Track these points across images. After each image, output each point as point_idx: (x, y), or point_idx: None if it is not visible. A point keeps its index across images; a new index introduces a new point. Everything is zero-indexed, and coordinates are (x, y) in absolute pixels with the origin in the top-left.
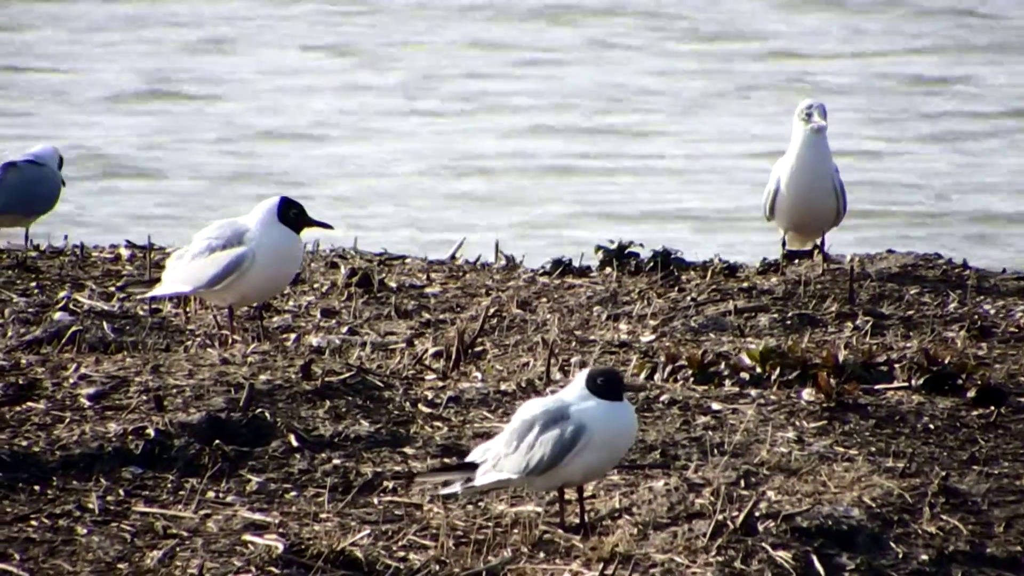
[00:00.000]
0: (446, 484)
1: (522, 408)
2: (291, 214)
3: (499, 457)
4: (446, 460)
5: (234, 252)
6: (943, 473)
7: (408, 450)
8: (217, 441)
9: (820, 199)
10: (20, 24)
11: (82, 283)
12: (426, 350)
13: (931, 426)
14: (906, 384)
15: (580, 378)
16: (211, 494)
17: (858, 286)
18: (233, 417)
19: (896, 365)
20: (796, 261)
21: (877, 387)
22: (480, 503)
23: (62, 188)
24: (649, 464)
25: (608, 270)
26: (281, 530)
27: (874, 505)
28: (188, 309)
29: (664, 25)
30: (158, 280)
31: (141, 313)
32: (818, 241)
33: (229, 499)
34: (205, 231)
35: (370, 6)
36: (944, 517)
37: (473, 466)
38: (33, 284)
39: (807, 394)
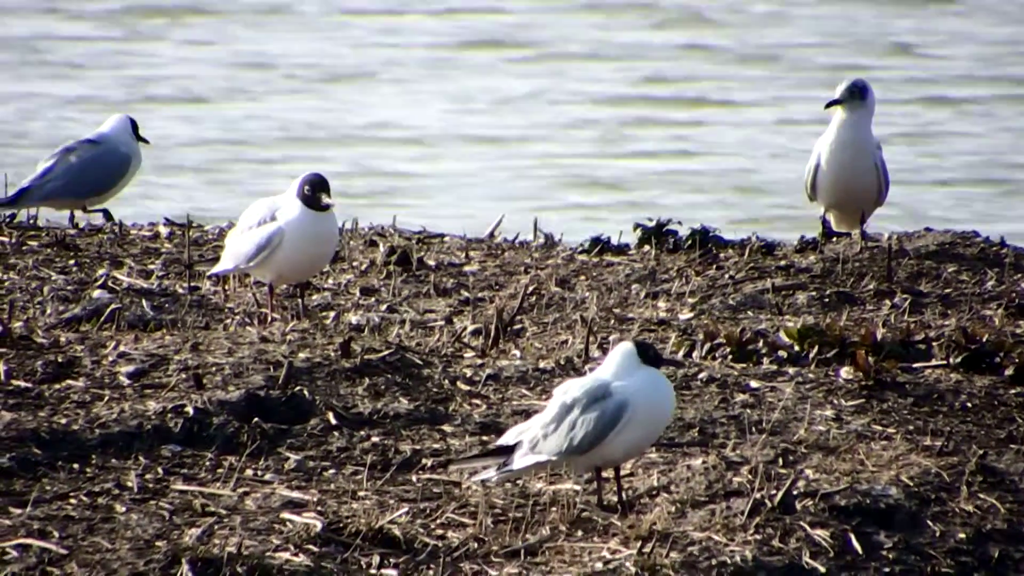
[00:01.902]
0: (477, 472)
1: (559, 389)
2: (304, 191)
3: (537, 439)
4: (481, 447)
5: (267, 229)
6: (981, 451)
7: (447, 428)
8: (256, 419)
9: (860, 176)
10: None
11: (121, 261)
12: (465, 328)
13: (969, 404)
14: (944, 362)
15: (616, 354)
16: (249, 472)
17: (896, 264)
18: (272, 395)
19: (934, 343)
20: (834, 239)
21: (915, 365)
22: (518, 482)
23: (132, 160)
24: (687, 442)
25: (646, 248)
26: (319, 508)
27: (912, 484)
28: (227, 287)
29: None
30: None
31: (180, 291)
32: (865, 223)
33: (267, 477)
34: (249, 209)
35: None
36: (981, 496)
37: (507, 450)
38: (72, 262)
39: (845, 372)
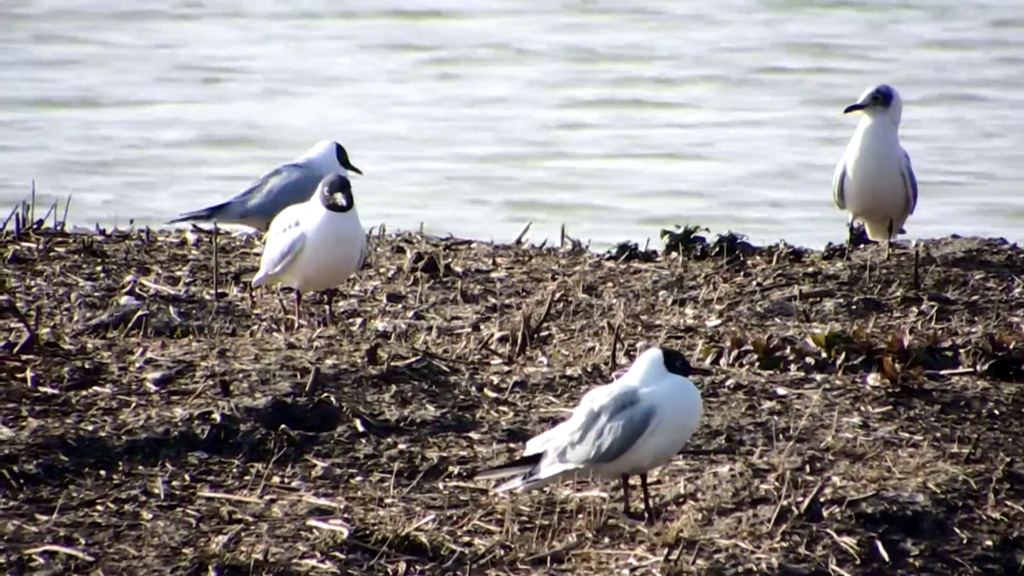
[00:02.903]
0: (502, 482)
1: (587, 397)
2: (324, 193)
3: (564, 447)
4: (508, 454)
5: (291, 235)
6: (1008, 459)
7: (474, 435)
8: (283, 426)
9: (885, 183)
10: None
11: (148, 267)
12: (492, 335)
13: (996, 411)
14: (971, 369)
15: (643, 361)
16: (276, 479)
17: (923, 271)
18: (299, 402)
19: (961, 350)
20: (861, 246)
21: (942, 372)
22: (545, 489)
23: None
24: (714, 449)
25: (674, 255)
26: (346, 515)
27: (939, 491)
28: (254, 293)
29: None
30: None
31: (207, 297)
32: (899, 229)
33: (294, 484)
34: (278, 217)
35: None
36: (1008, 503)
37: (533, 459)
38: (99, 268)
39: (872, 379)
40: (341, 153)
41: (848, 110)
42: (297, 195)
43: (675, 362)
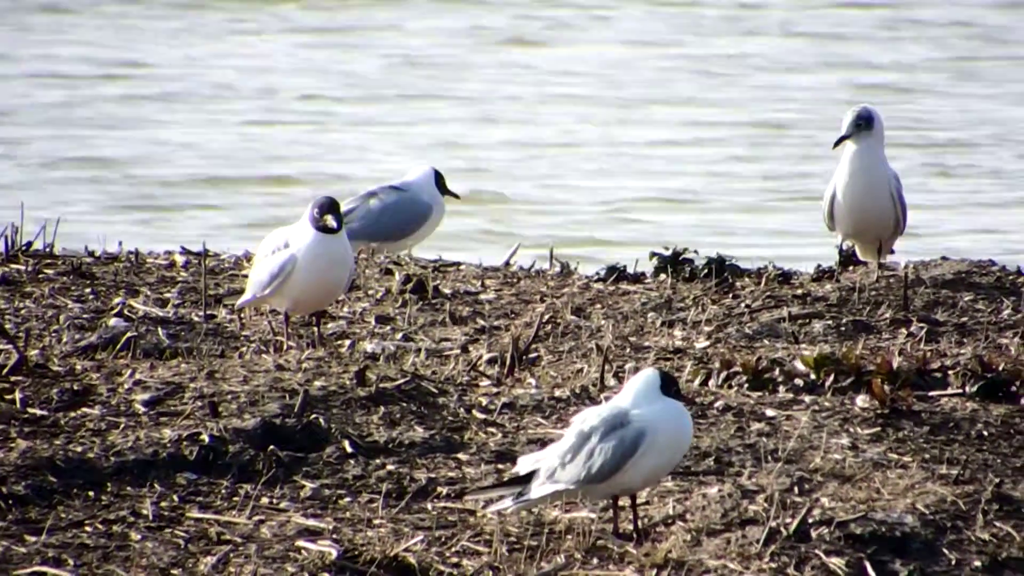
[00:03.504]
0: (492, 502)
1: (577, 417)
2: (314, 214)
3: (554, 468)
4: (496, 475)
5: (280, 257)
6: (997, 480)
7: (462, 456)
8: (271, 447)
9: (875, 206)
10: None
11: (137, 289)
12: (480, 356)
13: (985, 433)
14: (960, 391)
15: (637, 381)
16: (265, 500)
17: (912, 293)
18: (288, 423)
19: (950, 372)
20: (851, 268)
21: (931, 394)
22: (534, 509)
23: (432, 210)
24: (703, 470)
25: (662, 276)
26: (335, 536)
27: (928, 512)
28: (243, 315)
29: None
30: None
31: (196, 319)
32: (889, 250)
33: (283, 505)
34: (266, 239)
35: None
36: (998, 524)
37: (522, 480)
38: (88, 290)
39: (861, 401)
40: (439, 178)
41: (837, 144)
42: (396, 216)
43: (671, 386)
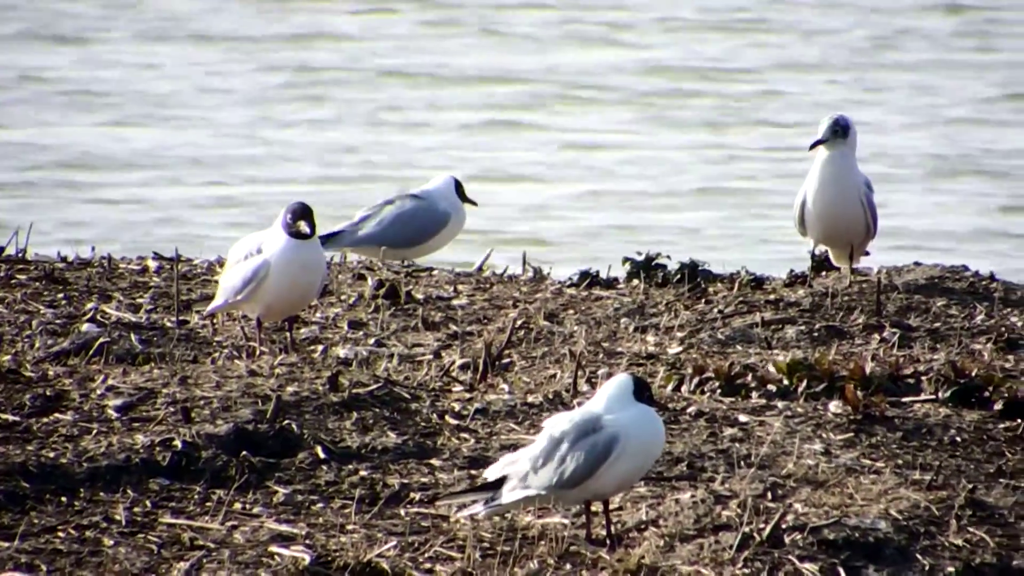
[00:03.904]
0: (464, 507)
1: (549, 422)
2: (287, 220)
3: (526, 473)
4: (469, 480)
5: (253, 263)
6: (970, 486)
7: (435, 462)
8: (244, 453)
9: (845, 213)
10: None
11: (110, 295)
12: (453, 362)
13: (958, 439)
14: (933, 397)
15: (611, 387)
16: (238, 505)
17: (885, 298)
18: (260, 429)
19: (923, 377)
20: (823, 273)
21: (904, 399)
22: (507, 515)
23: (451, 218)
24: (676, 476)
25: (635, 282)
26: (308, 542)
27: (901, 518)
28: (216, 321)
29: None
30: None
31: (168, 325)
32: (862, 254)
33: (256, 510)
34: (236, 245)
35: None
36: (971, 530)
37: (495, 484)
38: (61, 296)
39: (834, 406)
40: (459, 186)
41: (812, 147)
42: (414, 223)
43: (644, 392)
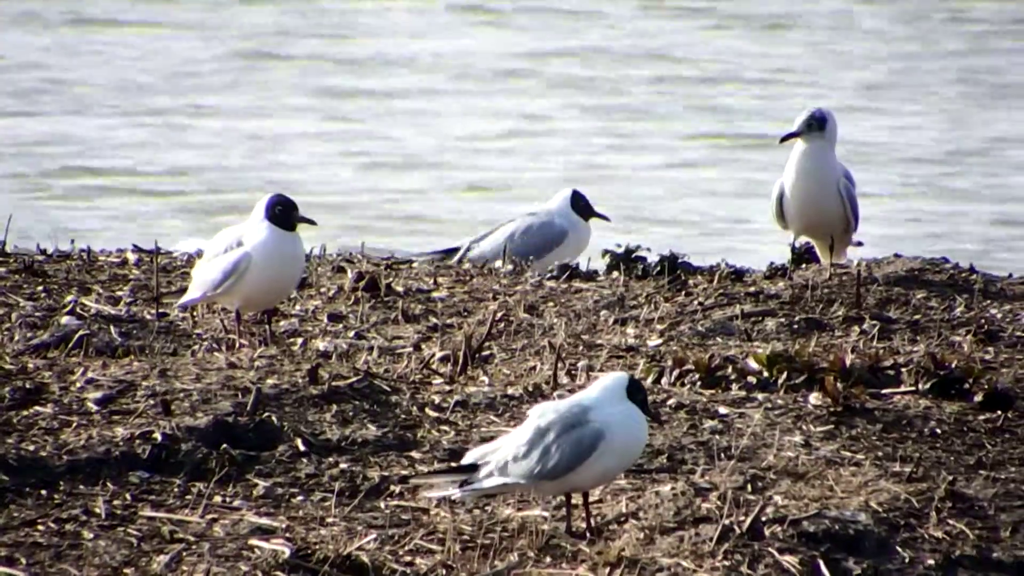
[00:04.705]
0: (436, 488)
1: (535, 411)
2: (275, 211)
3: (507, 461)
4: (442, 464)
5: (233, 255)
6: (950, 478)
7: (415, 454)
8: (224, 445)
9: (823, 206)
10: None
11: (89, 287)
12: (433, 354)
13: (938, 431)
14: (913, 388)
15: (606, 381)
16: (218, 498)
17: (865, 290)
18: (240, 421)
19: (903, 369)
20: (803, 266)
21: (884, 391)
22: (487, 507)
23: (568, 234)
24: (656, 468)
25: (615, 274)
26: (288, 535)
27: (881, 510)
28: (195, 313)
29: None
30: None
31: (148, 317)
32: (844, 248)
33: (236, 503)
34: (215, 238)
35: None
36: (951, 522)
37: (471, 468)
38: (40, 288)
39: (814, 398)
40: (576, 199)
41: (784, 139)
42: (531, 238)
43: (637, 394)
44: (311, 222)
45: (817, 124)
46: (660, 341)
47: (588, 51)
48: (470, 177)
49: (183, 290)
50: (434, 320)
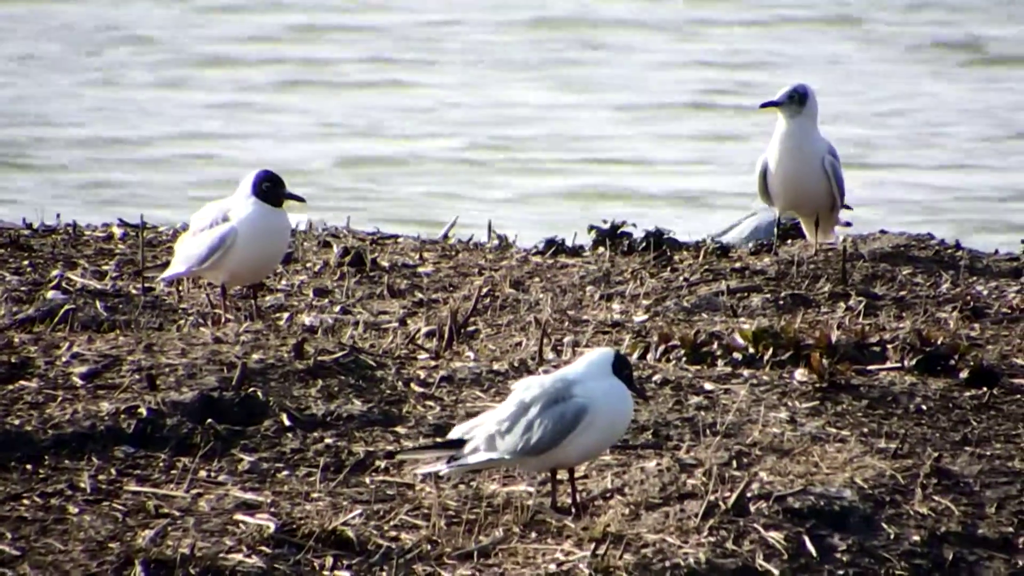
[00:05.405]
0: (421, 462)
1: (520, 384)
2: (263, 187)
3: (492, 436)
4: (428, 439)
5: (219, 230)
6: (935, 454)
7: (400, 429)
8: (209, 420)
9: (807, 181)
10: None
11: (75, 262)
12: (419, 329)
13: (923, 407)
14: (899, 365)
15: (591, 356)
16: (203, 473)
17: (851, 266)
18: (225, 396)
19: (889, 346)
20: (789, 242)
21: (870, 368)
22: (472, 483)
23: None
24: (641, 444)
25: (601, 250)
26: (273, 509)
27: (866, 486)
28: (181, 288)
29: None
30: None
31: (134, 292)
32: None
33: (221, 478)
34: (199, 212)
35: None
36: (936, 498)
37: (457, 444)
38: (26, 263)
39: (800, 374)
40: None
41: (764, 105)
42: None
43: (623, 369)
44: (300, 199)
45: (799, 98)
46: (646, 317)
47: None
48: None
49: (168, 264)
50: (420, 295)
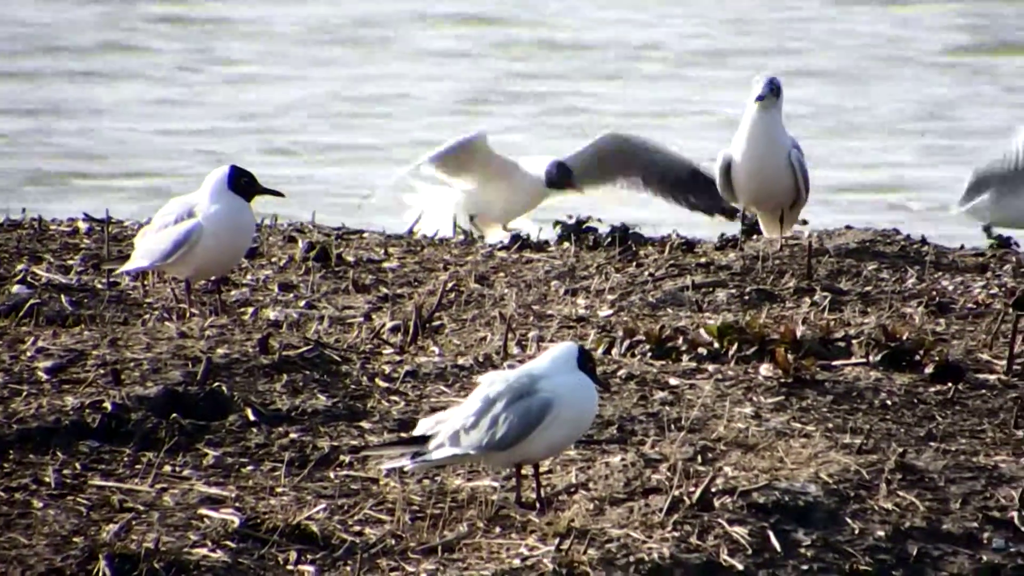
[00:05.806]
0: (387, 458)
1: (485, 379)
2: (242, 182)
3: (457, 431)
4: (393, 435)
5: (185, 225)
6: (900, 449)
7: (365, 424)
8: (174, 415)
9: (773, 174)
10: None
11: (40, 256)
12: (384, 324)
13: (888, 402)
14: (864, 360)
15: (556, 351)
16: (168, 468)
17: (816, 262)
18: (190, 391)
19: (854, 341)
20: (754, 236)
21: (835, 363)
22: (436, 478)
23: None
24: (606, 439)
25: (566, 245)
26: (237, 504)
27: (831, 481)
28: (146, 282)
29: None
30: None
31: (99, 286)
32: (793, 224)
33: (186, 473)
34: (164, 208)
35: None
36: (901, 493)
37: (422, 439)
38: None
39: (765, 370)
40: None
41: (759, 99)
42: None
43: (588, 364)
44: (279, 194)
45: (775, 91)
46: (611, 312)
47: None
48: None
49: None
50: (385, 290)
